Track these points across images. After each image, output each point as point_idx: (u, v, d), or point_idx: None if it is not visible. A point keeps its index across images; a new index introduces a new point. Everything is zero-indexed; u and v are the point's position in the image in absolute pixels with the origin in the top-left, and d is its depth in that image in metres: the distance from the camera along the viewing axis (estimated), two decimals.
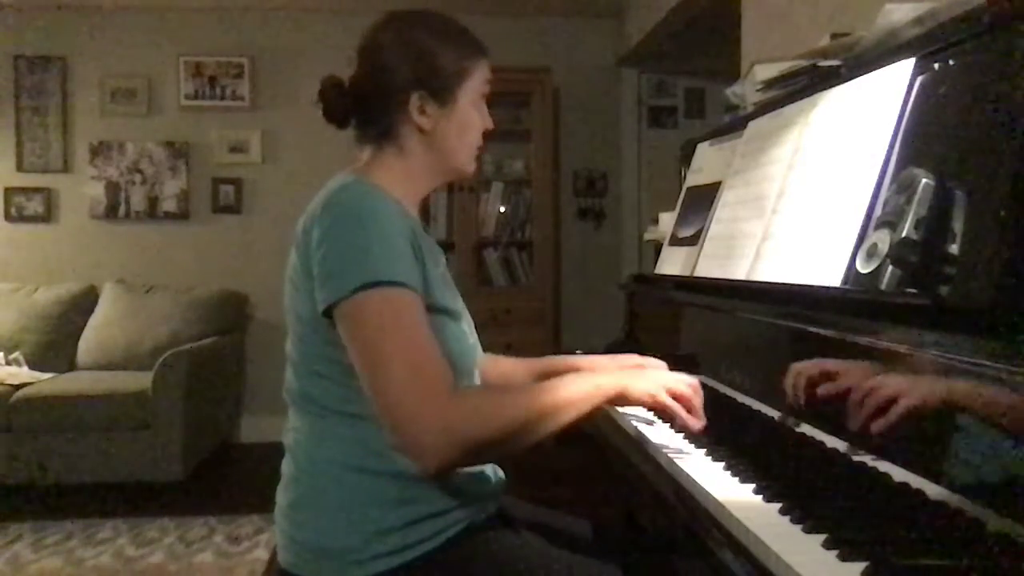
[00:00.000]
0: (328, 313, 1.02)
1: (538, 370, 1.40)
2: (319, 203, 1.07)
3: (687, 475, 1.02)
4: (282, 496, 1.13)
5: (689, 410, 1.11)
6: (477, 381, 1.23)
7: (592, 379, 1.09)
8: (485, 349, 1.27)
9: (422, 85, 1.13)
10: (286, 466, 1.14)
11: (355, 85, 1.16)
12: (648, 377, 1.12)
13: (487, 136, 1.24)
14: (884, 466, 0.89)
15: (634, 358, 1.37)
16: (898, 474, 0.87)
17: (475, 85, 1.18)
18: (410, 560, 1.04)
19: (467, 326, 1.20)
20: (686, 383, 1.12)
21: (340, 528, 1.05)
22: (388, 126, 1.16)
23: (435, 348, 1.01)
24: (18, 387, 3.36)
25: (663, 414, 1.17)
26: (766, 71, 1.61)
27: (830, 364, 0.99)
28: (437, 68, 1.14)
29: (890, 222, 0.97)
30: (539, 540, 1.18)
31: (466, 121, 1.18)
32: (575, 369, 1.36)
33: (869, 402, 0.89)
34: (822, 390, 1.00)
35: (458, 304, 1.18)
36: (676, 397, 1.11)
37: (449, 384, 1.00)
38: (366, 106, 1.16)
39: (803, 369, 1.05)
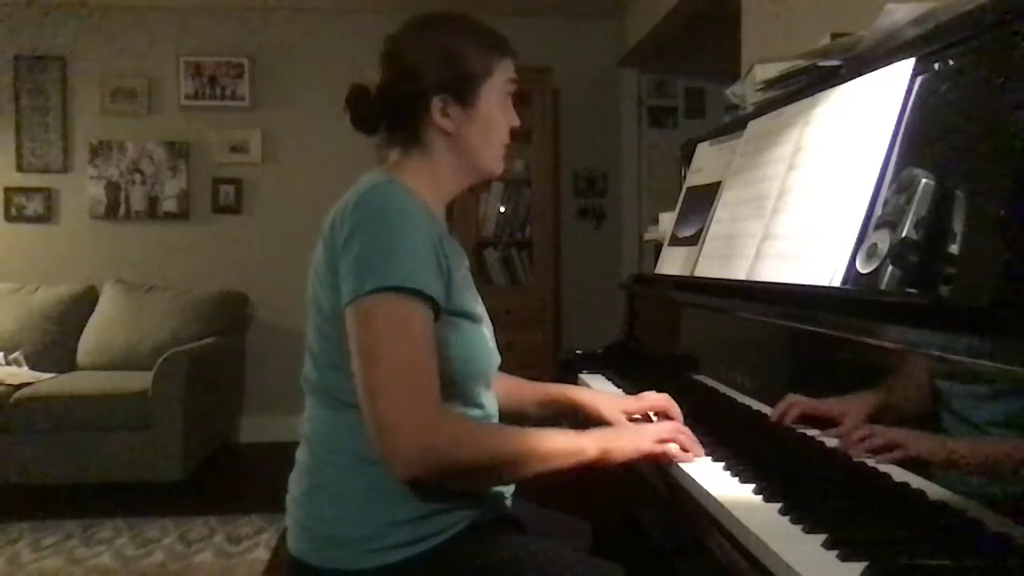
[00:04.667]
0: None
1: (532, 393, 1.41)
2: (350, 200, 1.08)
3: (687, 475, 1.02)
4: (296, 484, 1.14)
5: (683, 446, 1.11)
6: (493, 388, 1.24)
7: (579, 440, 1.09)
8: None
9: (444, 88, 1.14)
10: (301, 454, 1.16)
11: (382, 91, 1.17)
12: (631, 435, 1.13)
13: (513, 133, 1.23)
14: (884, 466, 0.89)
15: (647, 397, 1.35)
16: (898, 474, 0.87)
17: (498, 84, 1.18)
18: (419, 553, 1.06)
19: (487, 330, 1.21)
20: (671, 428, 1.13)
21: (353, 518, 1.06)
22: (414, 130, 1.17)
23: (432, 365, 1.02)
24: (18, 387, 3.35)
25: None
26: (766, 71, 1.61)
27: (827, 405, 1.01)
28: (461, 69, 1.14)
29: (890, 222, 0.97)
30: (544, 540, 1.19)
31: (489, 121, 1.18)
32: (569, 398, 1.38)
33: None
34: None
35: (479, 308, 1.19)
36: (665, 441, 1.11)
37: (437, 403, 1.01)
38: (393, 112, 1.17)
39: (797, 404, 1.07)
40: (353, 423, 1.08)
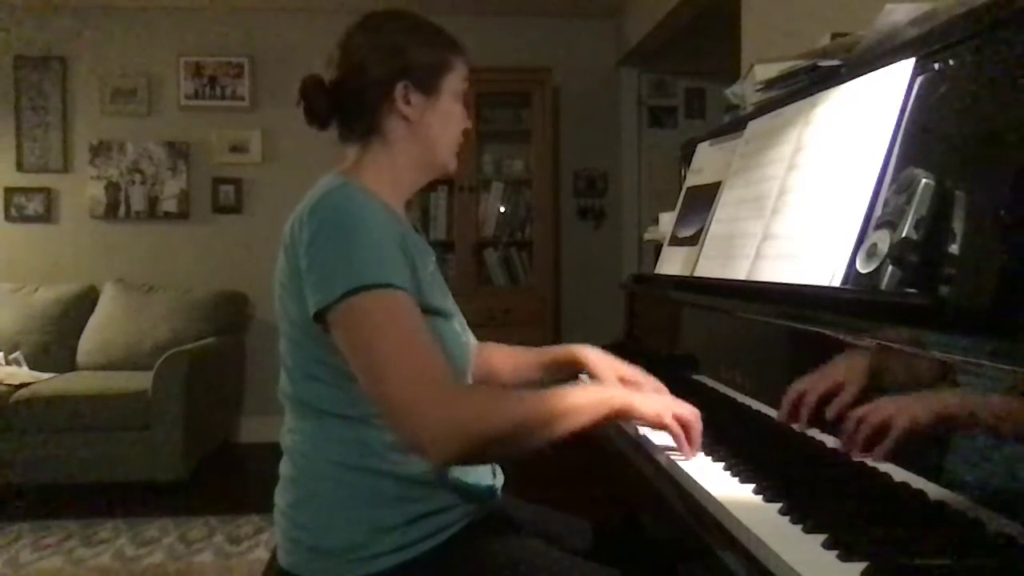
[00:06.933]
0: (318, 318, 1.02)
1: (544, 359, 1.40)
2: (306, 206, 1.07)
3: (687, 475, 1.02)
4: (281, 497, 1.13)
5: (689, 438, 1.10)
6: (470, 380, 1.24)
7: (602, 390, 1.08)
8: None
9: (406, 75, 1.15)
10: (284, 467, 1.14)
11: (335, 84, 1.17)
12: (654, 399, 1.12)
13: (467, 135, 1.25)
14: (884, 466, 0.89)
15: (634, 374, 1.35)
16: (898, 474, 0.87)
17: (456, 79, 1.20)
18: (410, 559, 1.05)
19: (459, 325, 1.20)
20: (692, 412, 1.11)
21: (340, 527, 1.05)
22: (373, 120, 1.17)
23: (432, 344, 1.01)
24: (18, 387, 3.36)
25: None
26: (766, 71, 1.61)
27: (829, 378, 0.99)
28: (414, 61, 1.15)
29: (890, 222, 0.97)
30: (539, 540, 1.18)
31: (449, 113, 1.20)
32: (578, 357, 1.37)
33: (869, 423, 0.90)
34: (824, 408, 1.00)
35: (448, 303, 1.18)
36: (681, 422, 1.09)
37: (451, 378, 1.00)
38: (348, 104, 1.17)
39: (804, 387, 1.05)
40: (332, 432, 1.07)
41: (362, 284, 0.98)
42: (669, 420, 1.08)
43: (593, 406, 1.05)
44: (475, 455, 1.01)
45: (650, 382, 1.31)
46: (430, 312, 1.09)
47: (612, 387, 1.12)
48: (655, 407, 1.08)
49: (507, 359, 1.39)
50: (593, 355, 1.38)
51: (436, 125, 1.18)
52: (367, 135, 1.18)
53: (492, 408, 1.00)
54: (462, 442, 0.95)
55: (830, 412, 0.99)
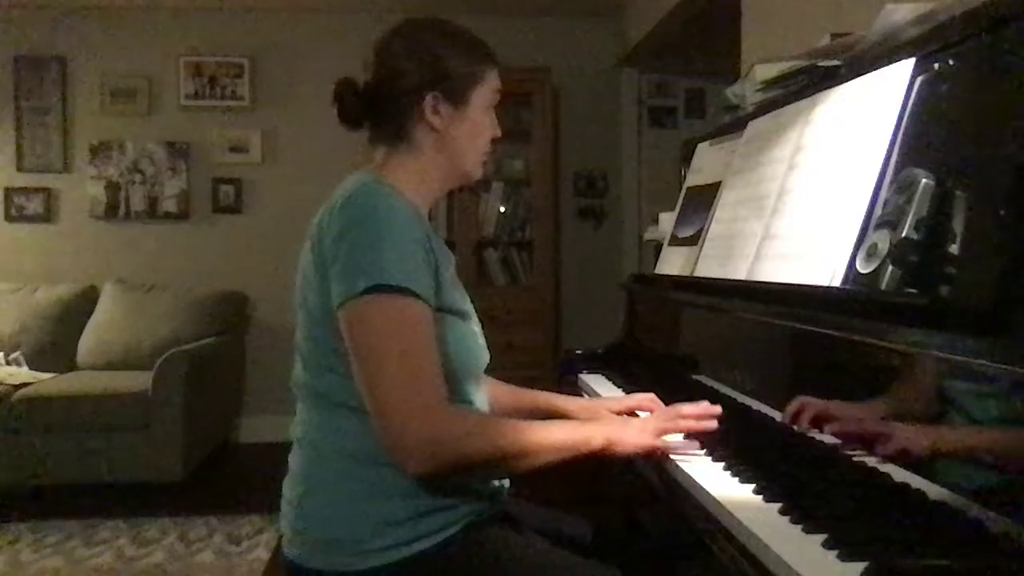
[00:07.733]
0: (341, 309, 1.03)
1: (522, 401, 1.41)
2: (337, 201, 1.08)
3: (687, 475, 1.02)
4: (289, 488, 1.14)
5: (691, 429, 1.12)
6: (483, 386, 1.24)
7: (583, 430, 1.11)
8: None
9: (436, 86, 1.16)
10: (294, 458, 1.16)
11: (369, 88, 1.18)
12: (634, 428, 1.13)
13: (494, 143, 1.26)
14: (884, 466, 0.89)
15: (622, 402, 1.38)
16: (898, 474, 0.87)
17: (487, 91, 1.21)
18: (415, 553, 1.06)
19: (476, 327, 1.21)
20: (669, 415, 1.13)
21: (347, 519, 1.06)
22: (402, 126, 1.18)
23: (435, 360, 1.03)
24: (18, 387, 3.35)
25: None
26: (766, 71, 1.61)
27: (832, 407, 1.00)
28: (449, 71, 1.17)
29: (890, 222, 0.97)
30: (541, 540, 1.19)
31: (477, 124, 1.21)
32: (556, 408, 1.38)
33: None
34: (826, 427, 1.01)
35: (467, 305, 1.20)
36: (668, 431, 1.12)
37: (443, 397, 1.02)
38: (380, 107, 1.18)
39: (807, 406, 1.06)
40: (345, 424, 1.08)
41: (383, 283, 1.00)
42: (652, 443, 1.10)
43: (573, 445, 1.08)
44: (449, 474, 1.04)
45: (635, 400, 1.35)
46: (450, 311, 1.11)
47: (599, 426, 1.13)
48: (636, 441, 1.10)
49: (493, 391, 1.38)
50: (573, 405, 1.39)
51: (463, 135, 1.20)
52: (395, 140, 1.19)
53: (472, 434, 1.03)
54: (436, 461, 0.99)
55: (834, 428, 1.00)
